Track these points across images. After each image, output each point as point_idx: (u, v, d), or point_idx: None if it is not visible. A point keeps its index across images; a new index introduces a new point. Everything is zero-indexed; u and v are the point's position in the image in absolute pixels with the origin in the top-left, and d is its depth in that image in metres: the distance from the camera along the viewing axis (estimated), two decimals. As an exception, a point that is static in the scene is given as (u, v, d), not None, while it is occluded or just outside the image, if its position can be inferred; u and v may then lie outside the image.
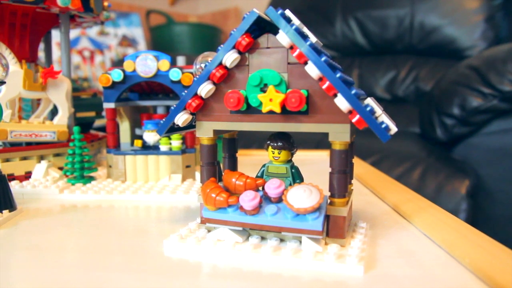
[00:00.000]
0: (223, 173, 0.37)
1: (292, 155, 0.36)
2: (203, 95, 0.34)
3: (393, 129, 0.31)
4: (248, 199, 0.32)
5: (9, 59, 0.55)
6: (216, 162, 0.37)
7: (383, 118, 0.31)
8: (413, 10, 1.62)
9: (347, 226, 0.34)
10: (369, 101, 0.31)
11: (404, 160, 1.11)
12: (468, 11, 1.56)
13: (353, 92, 0.30)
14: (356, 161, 0.76)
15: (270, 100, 0.32)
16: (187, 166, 0.57)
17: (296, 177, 0.35)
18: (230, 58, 0.32)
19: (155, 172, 0.56)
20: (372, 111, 0.30)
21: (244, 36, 0.32)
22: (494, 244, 0.33)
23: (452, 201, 1.02)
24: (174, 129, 0.37)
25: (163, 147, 0.56)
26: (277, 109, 0.32)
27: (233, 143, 0.39)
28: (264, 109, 0.32)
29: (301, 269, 0.30)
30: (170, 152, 0.56)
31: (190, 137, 0.58)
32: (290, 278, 0.28)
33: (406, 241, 0.35)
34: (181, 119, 0.35)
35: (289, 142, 0.35)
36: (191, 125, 0.37)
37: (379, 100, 1.63)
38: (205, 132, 0.35)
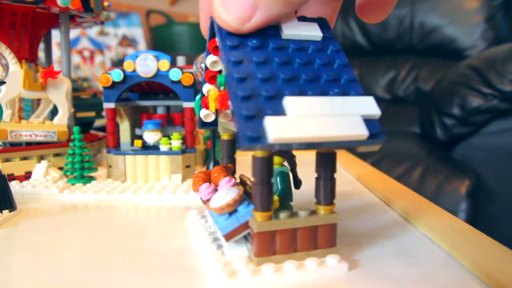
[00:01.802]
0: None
1: (287, 159, 0.34)
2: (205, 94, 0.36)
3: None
4: (204, 188, 0.33)
5: (9, 59, 0.55)
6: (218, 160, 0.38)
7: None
8: (413, 10, 1.62)
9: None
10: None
11: (404, 160, 1.11)
12: (468, 11, 1.56)
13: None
14: (356, 161, 0.76)
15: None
16: (187, 166, 0.57)
17: (277, 184, 0.33)
18: (208, 61, 0.34)
19: (155, 172, 0.56)
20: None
21: (212, 40, 0.33)
22: (494, 244, 0.33)
23: (452, 201, 1.02)
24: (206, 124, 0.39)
25: (163, 147, 0.56)
26: (211, 109, 0.33)
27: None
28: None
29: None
30: (170, 152, 0.56)
31: (190, 137, 0.58)
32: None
33: (406, 241, 0.35)
34: (202, 114, 0.37)
35: None
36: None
37: (379, 100, 1.63)
38: (221, 129, 0.38)
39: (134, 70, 0.54)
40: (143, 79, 0.54)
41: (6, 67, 0.44)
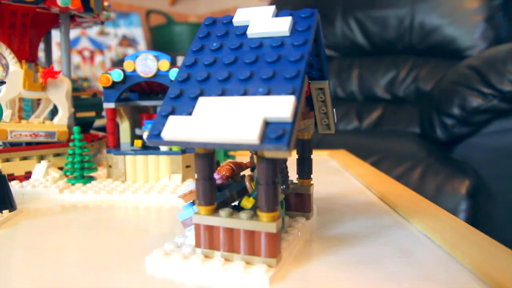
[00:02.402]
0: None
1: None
2: None
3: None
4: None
5: (9, 59, 0.55)
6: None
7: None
8: (413, 10, 1.62)
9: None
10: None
11: (404, 160, 1.11)
12: (468, 11, 1.56)
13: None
14: (356, 161, 0.76)
15: None
16: (187, 166, 0.57)
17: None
18: None
19: (155, 172, 0.56)
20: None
21: None
22: (494, 244, 0.33)
23: (452, 201, 1.02)
24: None
25: (163, 147, 0.56)
26: None
27: (308, 144, 0.39)
28: None
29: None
30: (170, 152, 0.56)
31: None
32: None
33: (406, 241, 0.35)
34: None
35: None
36: None
37: (379, 100, 1.63)
38: None
39: (134, 70, 0.54)
40: (143, 79, 0.54)
41: (6, 67, 0.44)
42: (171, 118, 0.27)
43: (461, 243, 0.33)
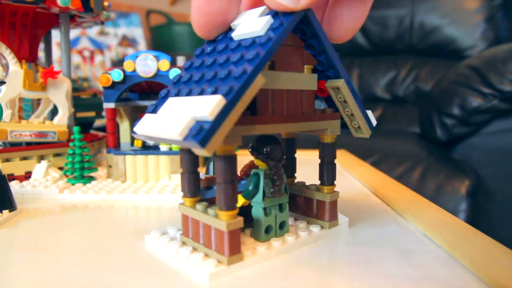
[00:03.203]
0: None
1: (267, 165, 0.33)
2: None
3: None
4: None
5: (9, 59, 0.55)
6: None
7: None
8: (413, 10, 1.62)
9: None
10: None
11: (404, 160, 1.11)
12: (468, 11, 1.56)
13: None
14: (356, 161, 0.76)
15: None
16: (187, 166, 0.57)
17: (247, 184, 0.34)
18: None
19: (155, 172, 0.56)
20: None
21: None
22: (494, 244, 0.33)
23: (452, 201, 1.02)
24: None
25: (163, 147, 0.56)
26: None
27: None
28: None
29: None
30: (170, 152, 0.56)
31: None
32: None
33: (406, 241, 0.35)
34: None
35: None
36: None
37: (379, 100, 1.63)
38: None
39: (134, 70, 0.54)
40: (143, 79, 0.54)
41: (6, 67, 0.44)
42: (145, 115, 0.30)
43: (461, 243, 0.33)
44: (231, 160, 0.28)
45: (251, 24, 0.29)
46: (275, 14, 0.30)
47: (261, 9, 0.31)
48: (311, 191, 0.37)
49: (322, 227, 0.36)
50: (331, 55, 0.33)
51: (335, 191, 0.37)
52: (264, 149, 0.32)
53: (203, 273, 0.28)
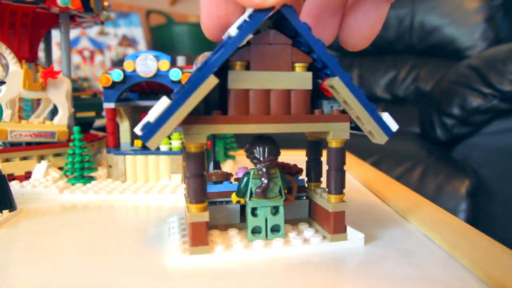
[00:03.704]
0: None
1: (253, 163, 0.33)
2: None
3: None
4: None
5: (9, 59, 0.55)
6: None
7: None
8: (413, 10, 1.62)
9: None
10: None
11: (404, 160, 1.11)
12: (468, 11, 1.56)
13: None
14: (356, 161, 0.76)
15: None
16: (187, 166, 0.57)
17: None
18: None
19: (155, 172, 0.56)
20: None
21: None
22: (494, 244, 0.33)
23: (452, 201, 1.02)
24: None
25: (163, 147, 0.56)
26: None
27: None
28: None
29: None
30: (170, 152, 0.56)
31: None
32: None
33: (406, 241, 0.35)
34: None
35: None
36: None
37: (379, 100, 1.63)
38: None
39: (134, 70, 0.54)
40: (143, 79, 0.54)
41: (6, 67, 0.44)
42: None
43: (461, 243, 0.33)
44: (199, 156, 0.30)
45: (233, 26, 0.29)
46: (252, 13, 0.29)
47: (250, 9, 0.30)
48: (319, 197, 0.36)
49: (324, 238, 0.34)
50: (320, 52, 0.31)
51: (343, 201, 0.34)
52: (252, 150, 0.33)
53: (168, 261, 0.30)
